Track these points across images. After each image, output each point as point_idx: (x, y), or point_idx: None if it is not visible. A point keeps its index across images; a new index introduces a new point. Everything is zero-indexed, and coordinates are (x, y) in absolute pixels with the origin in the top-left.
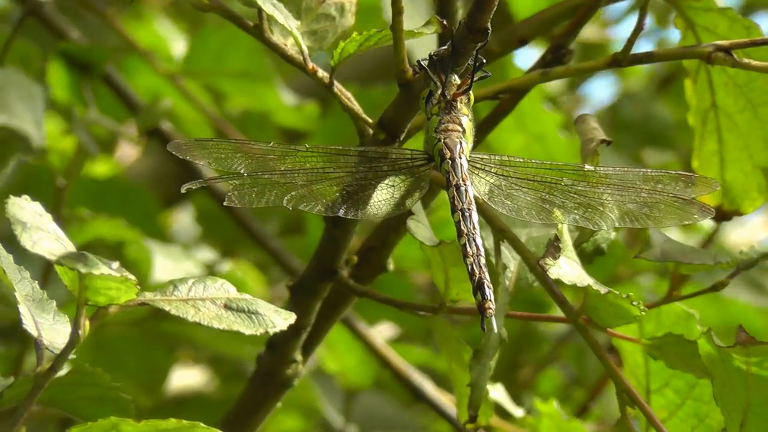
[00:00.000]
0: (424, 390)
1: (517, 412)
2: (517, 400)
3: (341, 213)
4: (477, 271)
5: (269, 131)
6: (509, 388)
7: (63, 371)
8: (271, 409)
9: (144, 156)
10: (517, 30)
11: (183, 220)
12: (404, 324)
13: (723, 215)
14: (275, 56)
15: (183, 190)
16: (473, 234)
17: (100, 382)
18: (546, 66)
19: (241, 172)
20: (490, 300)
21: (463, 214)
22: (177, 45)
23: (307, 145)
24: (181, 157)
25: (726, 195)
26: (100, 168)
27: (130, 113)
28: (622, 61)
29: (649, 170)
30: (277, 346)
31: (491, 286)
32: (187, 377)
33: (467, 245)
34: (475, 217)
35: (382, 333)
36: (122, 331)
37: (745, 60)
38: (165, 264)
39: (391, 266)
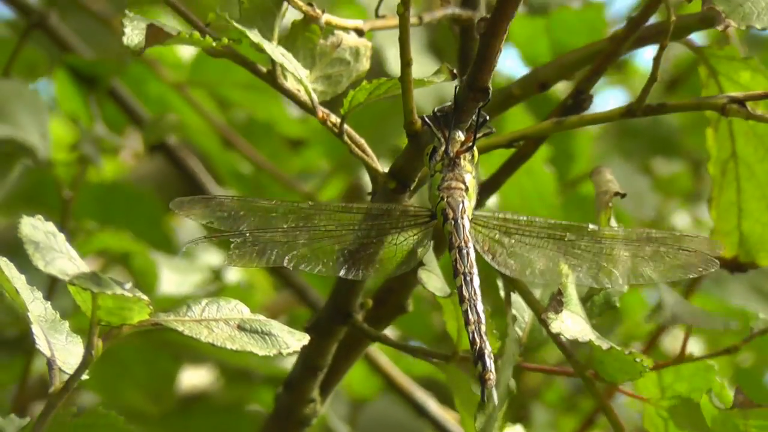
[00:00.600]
0: (427, 408)
1: None
2: (523, 409)
3: (342, 273)
4: (478, 341)
5: (276, 140)
6: (515, 395)
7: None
8: None
9: (146, 161)
10: (537, 74)
11: (186, 224)
12: (407, 332)
13: (738, 267)
14: None
15: (184, 249)
16: (474, 300)
17: (115, 423)
18: (566, 110)
19: (243, 230)
20: (491, 371)
21: (464, 278)
22: (184, 49)
23: (311, 202)
24: (183, 216)
25: (742, 246)
26: (104, 171)
27: (135, 126)
28: (636, 111)
29: (654, 231)
30: (294, 385)
31: (492, 356)
32: (192, 377)
33: (469, 312)
34: (476, 281)
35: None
36: (128, 340)
37: (759, 112)
38: (171, 276)
39: (410, 307)
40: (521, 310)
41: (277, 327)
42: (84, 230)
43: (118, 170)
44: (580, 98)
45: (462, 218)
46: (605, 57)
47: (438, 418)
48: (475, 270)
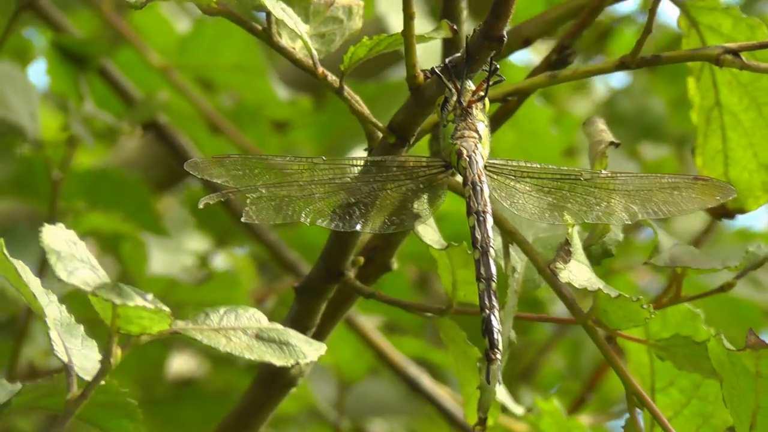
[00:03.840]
0: (421, 383)
1: (519, 410)
2: (515, 393)
3: (358, 227)
4: (488, 305)
5: (263, 124)
6: (506, 380)
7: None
8: (274, 408)
9: (130, 141)
10: (521, 30)
11: (172, 205)
12: (393, 315)
13: (726, 213)
14: (268, 49)
15: (200, 206)
16: (487, 245)
17: (108, 388)
18: (551, 66)
19: (259, 186)
20: (498, 349)
21: (477, 218)
22: (179, 25)
23: (324, 157)
24: (198, 176)
25: None
26: (91, 155)
27: (126, 106)
28: (630, 63)
29: (666, 175)
30: None
31: (501, 326)
32: (178, 361)
33: (480, 263)
34: (490, 221)
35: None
36: None
37: (754, 62)
38: (161, 257)
39: (395, 266)
40: (514, 261)
41: (294, 336)
42: (73, 211)
43: (104, 153)
44: (564, 53)
45: (476, 154)
46: (590, 11)
47: (431, 393)
48: (489, 209)
